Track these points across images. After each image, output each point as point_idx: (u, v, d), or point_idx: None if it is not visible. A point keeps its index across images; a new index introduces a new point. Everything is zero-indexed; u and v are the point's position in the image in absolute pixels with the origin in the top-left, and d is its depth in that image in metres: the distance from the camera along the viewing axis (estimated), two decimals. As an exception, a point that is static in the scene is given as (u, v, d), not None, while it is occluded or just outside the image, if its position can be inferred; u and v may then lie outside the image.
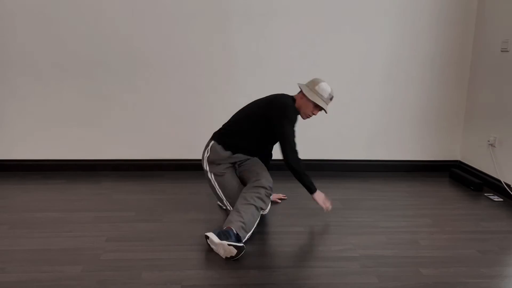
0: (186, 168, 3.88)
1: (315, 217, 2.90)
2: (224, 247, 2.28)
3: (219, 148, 2.80)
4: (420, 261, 2.32)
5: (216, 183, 2.82)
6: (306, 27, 3.72)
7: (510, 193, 3.31)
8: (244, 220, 2.47)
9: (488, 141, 3.58)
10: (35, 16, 3.54)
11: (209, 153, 2.83)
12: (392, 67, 3.84)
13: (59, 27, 3.58)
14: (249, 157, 2.92)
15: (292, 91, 3.80)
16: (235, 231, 2.39)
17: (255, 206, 2.57)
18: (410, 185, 3.64)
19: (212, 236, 2.35)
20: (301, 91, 2.82)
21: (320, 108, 2.76)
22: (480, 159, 3.73)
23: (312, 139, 3.93)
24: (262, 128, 2.76)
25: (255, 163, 2.92)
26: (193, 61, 3.71)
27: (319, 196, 2.78)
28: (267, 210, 2.90)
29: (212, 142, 2.84)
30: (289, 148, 2.66)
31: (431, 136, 4.00)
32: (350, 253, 2.39)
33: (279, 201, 3.19)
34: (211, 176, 2.83)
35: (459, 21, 3.79)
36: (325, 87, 2.73)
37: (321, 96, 2.72)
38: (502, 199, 3.32)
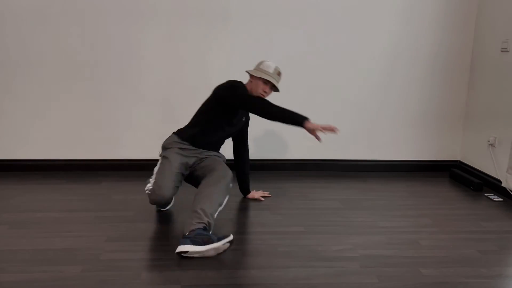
0: (186, 168, 3.88)
1: (315, 217, 2.90)
2: (217, 249, 2.27)
3: (176, 138, 2.85)
4: (420, 261, 2.32)
5: (158, 164, 2.80)
6: (307, 27, 3.72)
7: (510, 193, 3.31)
8: (207, 215, 2.40)
9: (488, 141, 3.58)
10: (35, 16, 3.54)
11: (165, 141, 2.89)
12: (392, 67, 3.84)
13: (58, 26, 3.58)
14: (210, 152, 2.88)
15: (293, 91, 3.80)
16: (207, 226, 2.35)
17: (216, 195, 2.50)
18: (410, 185, 3.64)
19: (191, 247, 2.23)
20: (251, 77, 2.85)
21: (270, 85, 2.76)
22: (480, 159, 3.73)
23: (312, 139, 3.92)
24: (215, 110, 2.81)
25: (213, 160, 2.82)
26: (193, 61, 3.71)
27: (312, 124, 2.50)
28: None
29: (171, 134, 2.91)
30: (251, 101, 2.66)
31: (431, 136, 4.00)
32: (350, 253, 2.39)
33: (263, 199, 3.20)
34: (159, 158, 2.84)
35: (459, 21, 3.79)
36: (269, 64, 2.79)
37: (267, 72, 2.75)
38: (502, 199, 3.32)
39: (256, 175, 3.70)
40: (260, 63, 2.83)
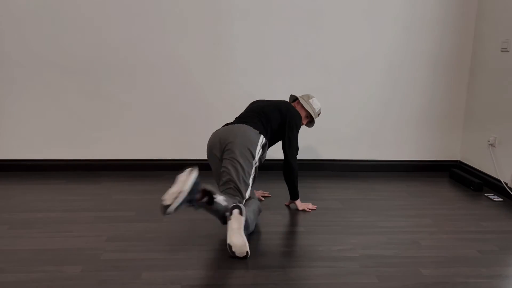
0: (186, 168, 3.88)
1: (315, 217, 2.90)
2: (242, 244, 2.27)
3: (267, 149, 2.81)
4: (420, 261, 2.32)
5: (253, 175, 2.65)
6: (307, 27, 3.72)
7: (510, 193, 3.31)
8: (250, 227, 2.49)
9: (488, 141, 3.58)
10: (35, 17, 3.54)
11: (262, 148, 2.71)
12: (392, 67, 3.84)
13: (59, 26, 3.58)
14: None
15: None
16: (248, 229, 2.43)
17: (252, 224, 2.58)
18: (410, 185, 3.64)
19: (242, 220, 2.30)
20: (296, 101, 3.10)
21: (309, 120, 3.10)
22: (480, 159, 3.73)
23: (313, 139, 3.93)
24: (277, 132, 2.88)
25: None
26: (193, 61, 3.71)
27: (300, 202, 3.04)
28: None
29: (264, 139, 2.72)
30: (294, 150, 2.89)
31: (431, 136, 4.00)
32: (350, 253, 2.39)
33: (263, 198, 3.23)
34: (255, 166, 2.65)
35: (459, 21, 3.79)
36: (317, 102, 3.09)
37: (313, 109, 3.06)
38: (502, 199, 3.32)
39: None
40: (310, 97, 3.07)
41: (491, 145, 3.56)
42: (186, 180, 2.23)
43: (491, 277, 2.18)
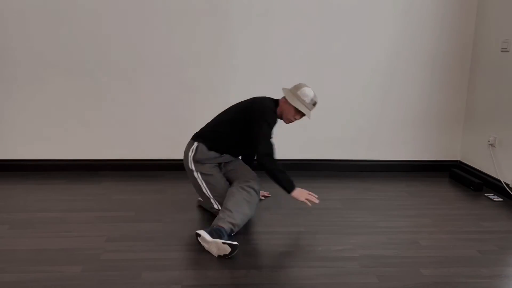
0: (186, 168, 3.88)
1: (315, 217, 2.90)
2: (218, 245, 2.29)
3: (204, 148, 2.78)
4: (420, 261, 2.32)
5: (203, 182, 2.78)
6: (306, 27, 3.72)
7: (510, 193, 3.31)
8: (235, 220, 2.49)
9: (488, 141, 3.58)
10: (36, 16, 3.54)
11: (194, 152, 2.78)
12: (392, 67, 3.84)
13: (59, 27, 3.58)
14: (233, 158, 2.94)
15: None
16: (227, 229, 2.42)
17: (246, 205, 2.60)
18: (410, 185, 3.64)
19: (204, 234, 2.36)
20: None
21: (302, 114, 2.74)
22: (480, 159, 3.73)
23: (312, 139, 3.93)
24: (241, 131, 2.74)
25: (241, 164, 2.95)
26: (193, 62, 3.71)
27: (298, 193, 2.65)
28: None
29: (196, 143, 2.79)
30: (262, 147, 2.61)
31: (431, 136, 4.00)
32: (350, 253, 2.39)
33: (263, 198, 3.22)
34: (197, 175, 2.79)
35: (459, 21, 3.79)
36: (307, 92, 2.69)
37: (302, 101, 2.69)
38: (502, 199, 3.32)
39: (256, 175, 3.71)
40: (299, 87, 2.72)
41: (491, 145, 3.56)
42: None
43: (491, 277, 2.18)
